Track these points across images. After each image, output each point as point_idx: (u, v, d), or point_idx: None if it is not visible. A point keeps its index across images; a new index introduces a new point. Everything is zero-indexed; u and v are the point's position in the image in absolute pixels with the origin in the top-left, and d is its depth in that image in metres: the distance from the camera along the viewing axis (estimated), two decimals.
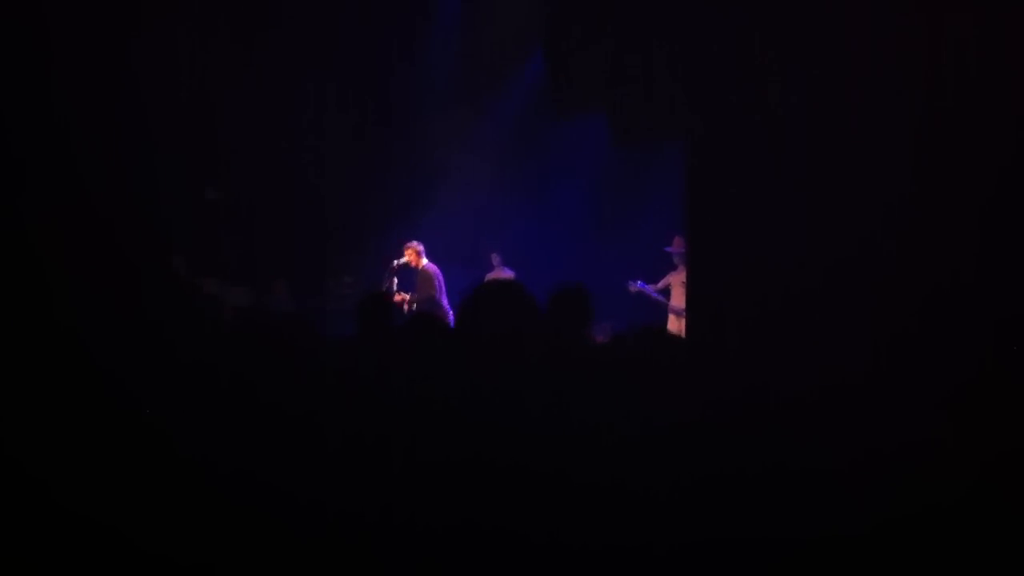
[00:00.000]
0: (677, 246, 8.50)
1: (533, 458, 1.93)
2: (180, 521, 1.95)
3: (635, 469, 1.95)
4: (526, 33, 9.21)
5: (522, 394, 2.06)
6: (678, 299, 8.49)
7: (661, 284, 8.88)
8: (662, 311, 8.77)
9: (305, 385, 2.24)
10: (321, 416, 2.12)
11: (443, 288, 8.81)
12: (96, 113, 4.77)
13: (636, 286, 8.85)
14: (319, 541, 1.94)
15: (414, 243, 8.93)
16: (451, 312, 8.53)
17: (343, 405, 2.17)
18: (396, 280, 8.94)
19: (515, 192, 10.28)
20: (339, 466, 1.99)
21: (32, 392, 2.25)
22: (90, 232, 4.01)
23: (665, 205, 8.67)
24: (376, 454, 1.98)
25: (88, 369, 2.41)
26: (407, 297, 8.85)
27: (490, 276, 9.56)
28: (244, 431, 2.09)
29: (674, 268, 8.72)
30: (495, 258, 9.94)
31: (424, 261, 8.89)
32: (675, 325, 8.33)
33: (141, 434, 2.12)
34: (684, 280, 7.90)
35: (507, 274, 9.62)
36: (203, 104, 8.46)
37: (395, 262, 8.95)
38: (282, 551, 1.90)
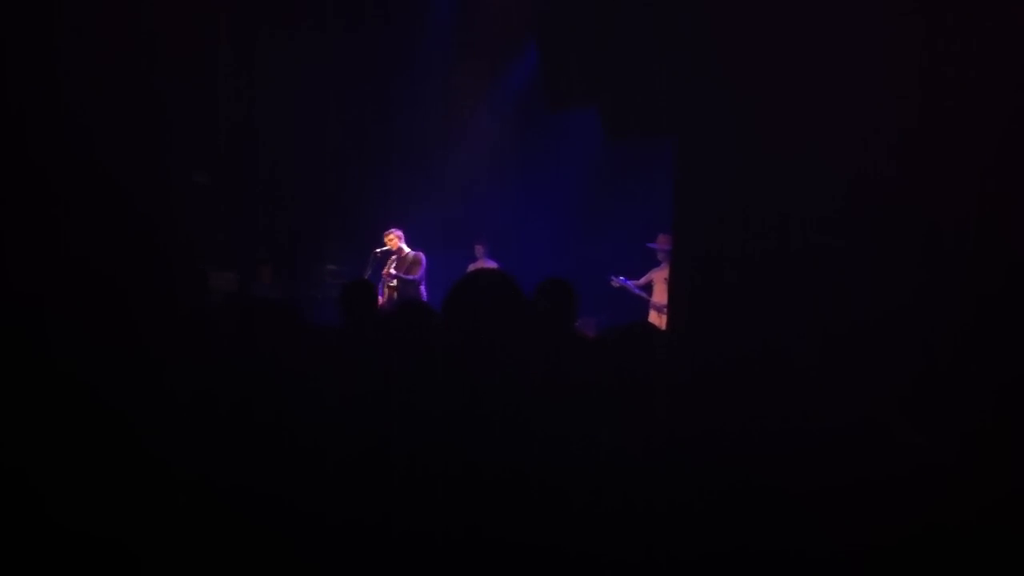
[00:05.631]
0: (661, 243, 8.53)
1: (523, 458, 1.92)
2: (164, 525, 1.93)
3: (626, 475, 1.95)
4: (518, 26, 9.22)
5: (512, 392, 2.05)
6: (660, 295, 8.52)
7: (643, 280, 8.90)
8: (644, 307, 8.80)
9: (291, 377, 2.22)
10: (307, 409, 2.10)
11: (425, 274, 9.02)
12: (87, 97, 4.72)
13: (618, 281, 8.88)
14: (305, 544, 1.92)
15: (394, 230, 9.16)
16: (426, 298, 8.74)
17: (328, 398, 2.15)
18: (377, 268, 9.08)
19: (502, 185, 10.29)
20: (327, 464, 1.97)
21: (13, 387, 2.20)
22: (77, 218, 3.97)
23: (651, 202, 8.70)
24: (365, 453, 1.96)
25: (71, 359, 2.36)
26: (393, 273, 8.98)
27: (473, 267, 9.58)
28: (230, 425, 2.06)
29: (657, 265, 8.74)
30: (479, 249, 9.94)
31: (406, 248, 9.11)
32: (656, 321, 8.37)
33: (124, 434, 2.08)
34: (667, 277, 7.95)
35: (490, 265, 9.64)
36: (194, 87, 8.40)
37: (377, 250, 9.12)
38: (271, 556, 1.88)
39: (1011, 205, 3.47)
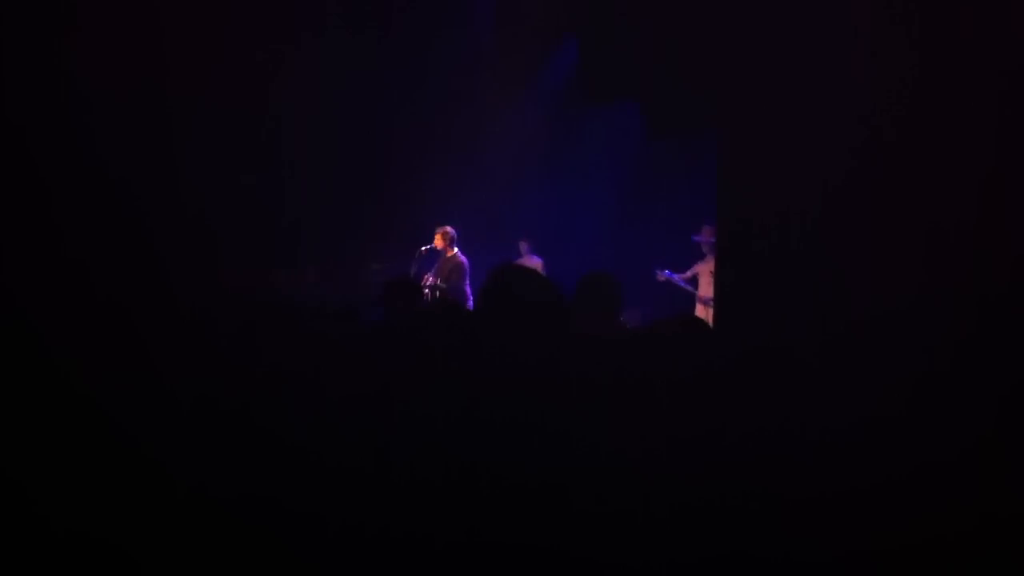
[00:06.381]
0: (706, 235, 8.42)
1: (523, 459, 1.92)
2: (164, 528, 1.93)
3: (627, 477, 1.94)
4: (558, 20, 9.08)
5: (512, 392, 2.05)
6: (706, 288, 8.44)
7: (689, 273, 8.83)
8: (689, 300, 8.74)
9: (291, 378, 2.22)
10: (307, 411, 2.10)
11: (468, 279, 8.61)
12: (130, 97, 4.71)
13: (664, 275, 8.82)
14: (305, 547, 1.92)
15: (447, 228, 8.70)
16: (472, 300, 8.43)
17: (328, 400, 2.15)
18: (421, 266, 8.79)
19: (545, 180, 10.20)
20: (327, 466, 1.97)
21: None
22: (78, 219, 3.97)
23: (693, 194, 8.64)
24: (365, 454, 1.97)
25: (71, 361, 2.36)
26: (431, 281, 8.58)
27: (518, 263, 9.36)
28: (230, 427, 2.07)
29: (702, 257, 8.67)
30: (524, 245, 9.79)
31: (455, 249, 8.69)
32: (703, 314, 8.31)
33: (124, 436, 2.08)
34: (713, 269, 7.88)
35: (535, 261, 9.48)
36: (239, 87, 8.27)
37: (422, 248, 8.79)
38: (270, 559, 1.88)
39: (1011, 205, 3.47)
